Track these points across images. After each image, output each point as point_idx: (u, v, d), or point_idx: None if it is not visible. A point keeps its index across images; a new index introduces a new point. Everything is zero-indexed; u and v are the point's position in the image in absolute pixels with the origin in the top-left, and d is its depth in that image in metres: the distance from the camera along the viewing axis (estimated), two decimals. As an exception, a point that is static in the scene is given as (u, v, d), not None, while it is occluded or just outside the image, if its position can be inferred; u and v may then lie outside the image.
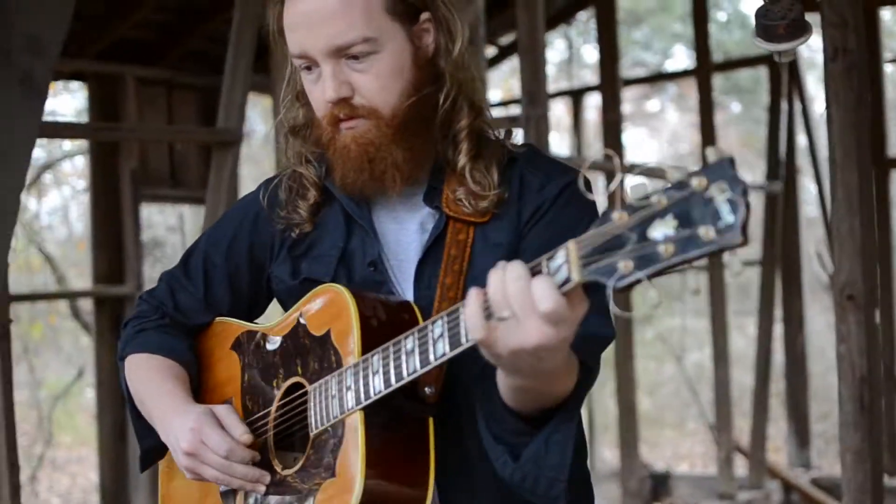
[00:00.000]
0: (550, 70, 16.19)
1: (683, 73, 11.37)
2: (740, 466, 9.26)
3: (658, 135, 19.88)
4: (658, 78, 12.01)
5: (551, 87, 14.25)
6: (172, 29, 8.53)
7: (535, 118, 5.00)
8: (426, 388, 2.13)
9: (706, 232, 1.48)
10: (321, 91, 2.21)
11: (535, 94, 5.00)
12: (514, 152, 2.27)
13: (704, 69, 8.65)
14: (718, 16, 17.29)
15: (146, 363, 2.41)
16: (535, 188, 2.23)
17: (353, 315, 2.12)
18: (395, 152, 2.21)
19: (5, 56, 3.84)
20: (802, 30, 2.98)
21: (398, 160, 2.21)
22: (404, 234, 2.31)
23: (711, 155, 1.51)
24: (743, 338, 13.25)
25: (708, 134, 8.54)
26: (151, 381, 2.38)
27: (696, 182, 1.50)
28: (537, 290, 1.67)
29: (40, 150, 14.47)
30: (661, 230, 1.54)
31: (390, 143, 2.20)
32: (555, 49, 17.00)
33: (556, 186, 2.22)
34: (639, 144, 19.60)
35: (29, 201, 14.35)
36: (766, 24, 2.97)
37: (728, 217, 1.47)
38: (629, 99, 18.85)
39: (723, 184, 1.48)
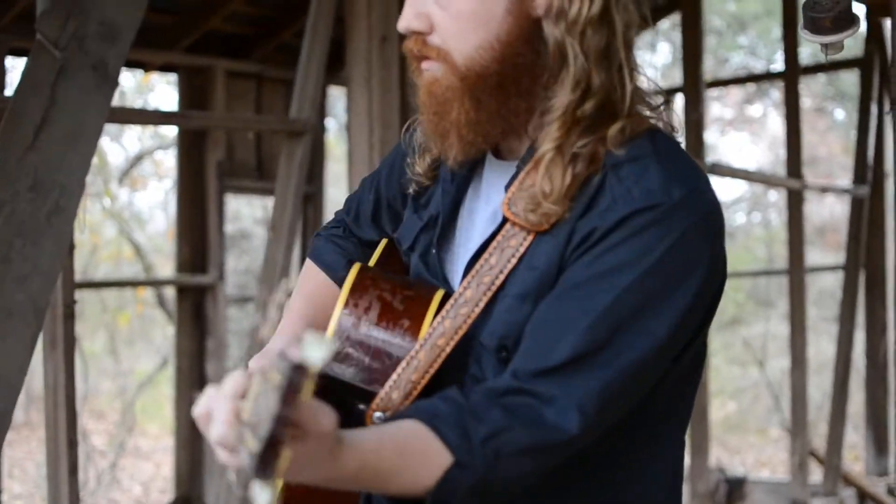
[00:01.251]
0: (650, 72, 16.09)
1: (771, 76, 11.29)
2: (816, 473, 9.19)
3: (759, 140, 19.73)
4: (744, 80, 11.93)
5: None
6: (263, 23, 8.63)
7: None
8: (376, 414, 1.86)
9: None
10: None
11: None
12: (613, 152, 1.80)
13: (792, 72, 8.60)
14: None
15: (306, 272, 2.28)
16: (603, 206, 1.77)
17: (339, 303, 1.95)
18: (459, 110, 1.85)
19: (79, 42, 3.94)
20: (850, 22, 2.97)
21: (461, 120, 1.86)
22: (480, 218, 1.97)
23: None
24: (831, 344, 13.17)
25: (795, 137, 8.49)
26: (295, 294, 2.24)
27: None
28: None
29: (134, 142, 14.73)
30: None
31: (457, 98, 1.85)
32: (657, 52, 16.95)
33: (623, 209, 1.75)
34: (740, 149, 19.47)
35: (121, 192, 14.58)
36: (814, 17, 2.97)
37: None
38: (732, 104, 18.76)
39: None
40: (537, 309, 1.78)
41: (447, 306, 1.86)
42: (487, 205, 1.95)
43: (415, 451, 1.65)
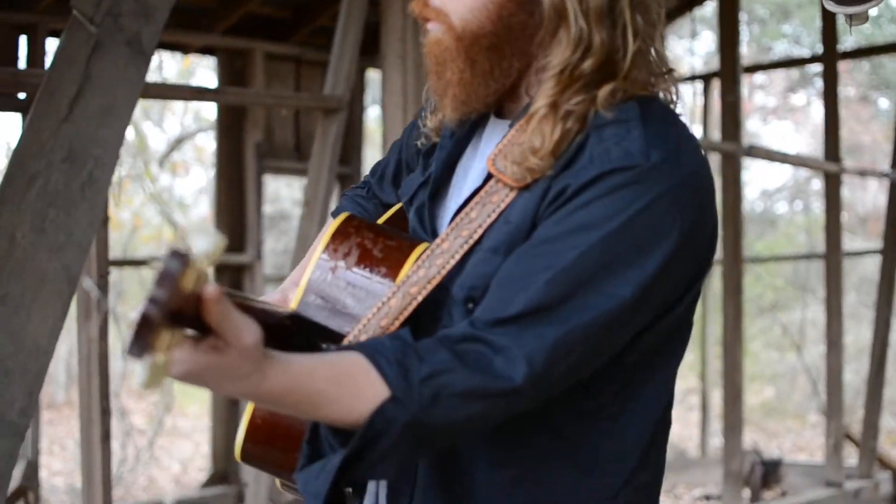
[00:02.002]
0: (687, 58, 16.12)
1: (809, 60, 11.25)
2: (852, 456, 9.19)
3: (802, 128, 19.64)
4: (783, 64, 11.90)
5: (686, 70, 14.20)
6: (302, 5, 8.68)
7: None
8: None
9: None
10: None
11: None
12: (601, 113, 1.79)
13: (831, 55, 8.58)
14: (870, 12, 17.00)
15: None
16: (580, 164, 1.75)
17: (320, 247, 1.97)
18: (453, 70, 1.87)
19: (114, 18, 4.01)
20: (874, -7, 2.95)
21: (454, 80, 1.88)
22: (473, 174, 1.97)
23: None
24: (870, 331, 13.11)
25: (833, 121, 8.47)
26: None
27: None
28: None
29: (174, 126, 14.82)
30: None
31: (452, 59, 1.87)
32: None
33: (598, 168, 1.73)
34: (783, 137, 19.39)
35: (162, 176, 14.68)
36: (837, -12, 2.96)
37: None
38: (775, 92, 18.68)
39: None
40: (505, 262, 1.76)
41: (423, 256, 1.85)
42: (481, 162, 1.94)
43: (350, 379, 1.64)
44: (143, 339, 1.34)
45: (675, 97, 1.89)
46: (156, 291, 1.34)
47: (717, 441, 10.89)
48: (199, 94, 6.40)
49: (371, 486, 1.97)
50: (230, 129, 8.62)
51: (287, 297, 2.02)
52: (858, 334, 14.64)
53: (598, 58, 1.80)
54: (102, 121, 3.97)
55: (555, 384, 1.72)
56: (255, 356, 1.53)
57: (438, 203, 2.00)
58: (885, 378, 9.01)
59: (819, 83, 17.94)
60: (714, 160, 9.94)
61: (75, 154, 3.87)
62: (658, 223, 1.70)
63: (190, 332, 1.50)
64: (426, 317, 1.82)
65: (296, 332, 1.83)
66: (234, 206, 8.59)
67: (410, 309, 1.82)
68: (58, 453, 12.34)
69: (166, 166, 14.25)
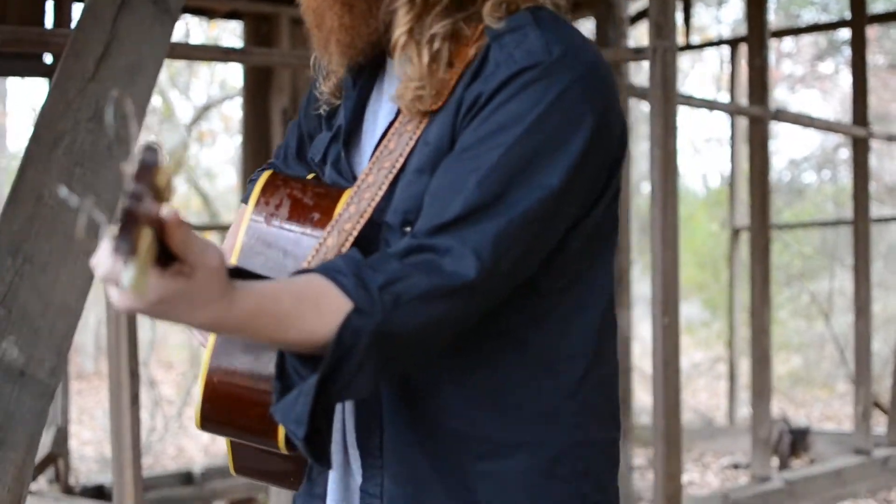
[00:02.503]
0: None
1: (838, 24, 11.15)
2: (881, 425, 9.16)
3: (830, 97, 19.53)
4: (811, 29, 11.78)
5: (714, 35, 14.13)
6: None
7: (662, 51, 5.01)
8: None
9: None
10: None
11: (662, 25, 5.01)
12: (492, 26, 1.85)
13: (859, 18, 8.51)
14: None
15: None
16: (487, 73, 1.82)
17: (251, 204, 1.98)
18: (334, 16, 1.92)
19: (140, -23, 4.00)
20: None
21: (335, 26, 1.92)
22: (382, 115, 2.00)
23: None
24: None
25: (861, 85, 8.41)
26: None
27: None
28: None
29: (201, 94, 14.84)
30: None
31: (332, 5, 1.91)
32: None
33: (506, 70, 1.79)
34: (811, 105, 19.29)
35: (190, 145, 14.69)
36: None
37: None
38: (803, 60, 18.57)
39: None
40: (433, 178, 1.81)
41: (351, 193, 1.90)
42: (388, 103, 1.97)
43: (313, 298, 1.66)
44: (128, 234, 1.34)
45: (560, 4, 1.95)
46: (135, 186, 1.35)
47: (744, 410, 10.89)
48: (225, 54, 6.35)
49: (336, 431, 1.97)
50: (256, 95, 8.61)
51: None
52: (886, 303, 14.60)
53: None
54: (129, 80, 3.96)
55: (505, 279, 1.78)
56: (221, 279, 1.56)
57: (354, 151, 2.03)
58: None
59: (847, 51, 17.86)
60: (742, 125, 9.90)
61: (102, 113, 3.86)
62: (573, 111, 1.77)
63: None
64: (364, 252, 1.82)
65: None
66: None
67: (347, 245, 1.86)
68: (87, 423, 12.41)
69: (193, 135, 14.28)
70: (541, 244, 1.80)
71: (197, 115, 14.06)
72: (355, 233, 1.86)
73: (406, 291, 1.69)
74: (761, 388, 7.58)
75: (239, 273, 1.74)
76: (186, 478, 8.28)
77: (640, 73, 12.53)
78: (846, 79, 18.79)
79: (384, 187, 1.87)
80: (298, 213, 1.94)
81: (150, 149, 1.37)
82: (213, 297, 1.55)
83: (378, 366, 1.71)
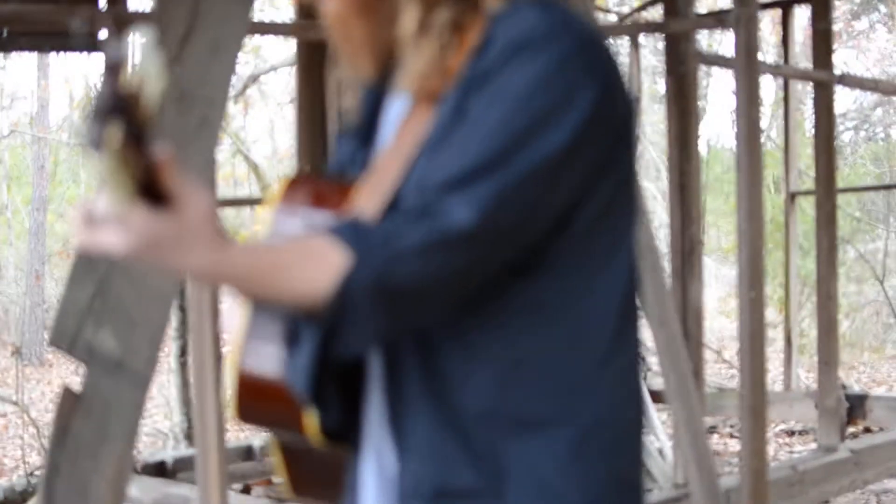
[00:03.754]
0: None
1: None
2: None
3: (865, 56, 19.37)
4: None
5: None
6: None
7: (745, 18, 4.90)
8: None
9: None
10: None
11: (744, -8, 4.90)
12: (491, 9, 1.84)
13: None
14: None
15: None
16: (487, 48, 1.79)
17: (275, 199, 1.97)
18: (360, 26, 1.91)
19: (220, -45, 3.93)
20: None
21: (364, 35, 1.91)
22: (395, 110, 1.99)
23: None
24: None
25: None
26: None
27: None
28: None
29: (246, 65, 14.79)
30: None
31: (357, 16, 1.90)
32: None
33: (501, 43, 1.77)
34: (845, 63, 19.13)
35: (236, 114, 14.66)
36: None
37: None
38: (837, 18, 18.41)
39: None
40: (440, 149, 1.78)
41: (368, 182, 1.88)
42: (401, 98, 1.95)
43: (313, 251, 1.66)
44: (97, 128, 1.39)
45: None
46: (104, 83, 1.39)
47: (801, 375, 10.80)
48: (301, 30, 6.28)
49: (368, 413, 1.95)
50: (310, 66, 8.53)
51: None
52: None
53: None
54: (212, 59, 3.90)
55: (507, 235, 1.75)
56: (213, 223, 1.57)
57: (373, 149, 2.01)
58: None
59: (883, 8, 17.68)
60: (796, 89, 9.77)
61: (187, 94, 3.80)
62: (576, 77, 1.75)
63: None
64: None
65: None
66: (316, 145, 8.51)
67: None
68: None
69: (239, 104, 14.22)
70: (544, 207, 1.77)
71: (245, 85, 14.01)
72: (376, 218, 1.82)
73: (405, 244, 1.67)
74: (828, 356, 7.49)
75: None
76: (247, 452, 8.24)
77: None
78: (882, 35, 18.64)
79: (399, 172, 1.84)
80: (320, 203, 1.93)
81: (113, 45, 1.40)
82: (205, 241, 1.56)
83: (382, 320, 1.71)
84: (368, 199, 1.84)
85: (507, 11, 1.81)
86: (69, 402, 3.34)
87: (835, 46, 17.92)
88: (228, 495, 4.55)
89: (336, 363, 1.74)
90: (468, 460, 1.82)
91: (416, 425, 1.85)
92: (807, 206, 11.29)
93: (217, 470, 4.45)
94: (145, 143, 1.47)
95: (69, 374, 14.14)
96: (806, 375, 11.69)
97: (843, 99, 18.20)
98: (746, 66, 4.86)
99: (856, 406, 9.28)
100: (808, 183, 11.91)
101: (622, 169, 1.85)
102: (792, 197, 10.29)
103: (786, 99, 10.22)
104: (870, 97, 17.30)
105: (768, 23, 13.77)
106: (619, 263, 1.88)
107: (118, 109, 1.41)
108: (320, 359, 1.70)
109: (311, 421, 1.83)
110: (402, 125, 1.90)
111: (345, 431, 1.91)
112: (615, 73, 1.83)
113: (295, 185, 1.96)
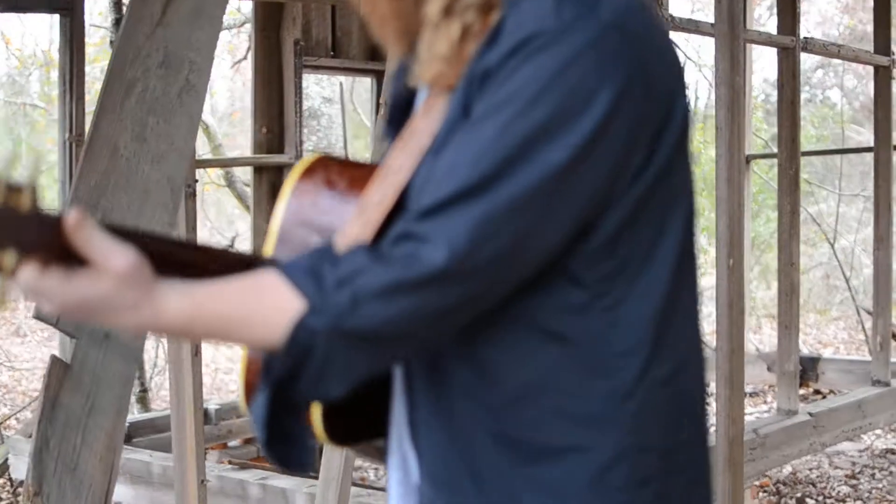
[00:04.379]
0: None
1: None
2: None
3: (805, 19, 19.39)
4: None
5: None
6: None
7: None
8: None
9: None
10: None
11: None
12: None
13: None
14: None
15: None
16: (499, 41, 1.64)
17: (286, 191, 1.90)
18: (385, 1, 1.79)
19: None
20: None
21: (391, 10, 1.80)
22: (423, 92, 1.88)
23: None
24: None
25: (882, 15, 8.31)
26: None
27: None
28: None
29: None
30: None
31: None
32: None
33: (513, 39, 1.61)
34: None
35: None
36: None
37: None
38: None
39: None
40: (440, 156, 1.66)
41: (379, 177, 1.76)
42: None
43: (260, 296, 1.57)
44: None
45: None
46: None
47: (750, 338, 10.87)
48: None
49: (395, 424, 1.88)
50: (267, 26, 8.41)
51: None
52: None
53: None
54: (195, 23, 3.82)
55: (490, 267, 1.59)
56: (137, 283, 1.51)
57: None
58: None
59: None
60: (754, 53, 9.78)
61: (171, 58, 3.72)
62: (584, 81, 1.57)
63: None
64: None
65: None
66: (273, 106, 8.41)
67: (370, 236, 1.71)
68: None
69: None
70: (547, 228, 1.61)
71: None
72: (378, 221, 1.71)
73: (365, 286, 1.55)
74: (789, 320, 7.51)
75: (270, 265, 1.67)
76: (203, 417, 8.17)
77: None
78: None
79: (407, 170, 1.73)
80: (330, 199, 1.84)
81: None
82: (133, 303, 1.51)
83: (351, 363, 1.59)
84: (375, 194, 1.74)
85: None
86: (58, 372, 3.26)
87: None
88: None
89: (304, 403, 1.67)
90: (479, 486, 1.72)
91: (429, 440, 1.77)
92: (757, 168, 11.34)
93: (194, 439, 4.40)
94: (42, 228, 1.45)
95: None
96: (753, 337, 11.76)
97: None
98: (729, 33, 4.83)
99: (808, 369, 9.35)
100: (757, 146, 11.97)
101: (660, 166, 1.68)
102: (746, 160, 10.33)
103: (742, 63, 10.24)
104: (811, 59, 17.37)
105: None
106: (661, 260, 1.72)
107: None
108: (272, 406, 1.62)
109: (316, 416, 1.78)
110: (418, 115, 1.78)
111: (351, 437, 1.88)
112: (648, 58, 1.65)
113: (314, 169, 1.88)
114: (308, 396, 1.63)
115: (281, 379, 1.59)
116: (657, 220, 1.70)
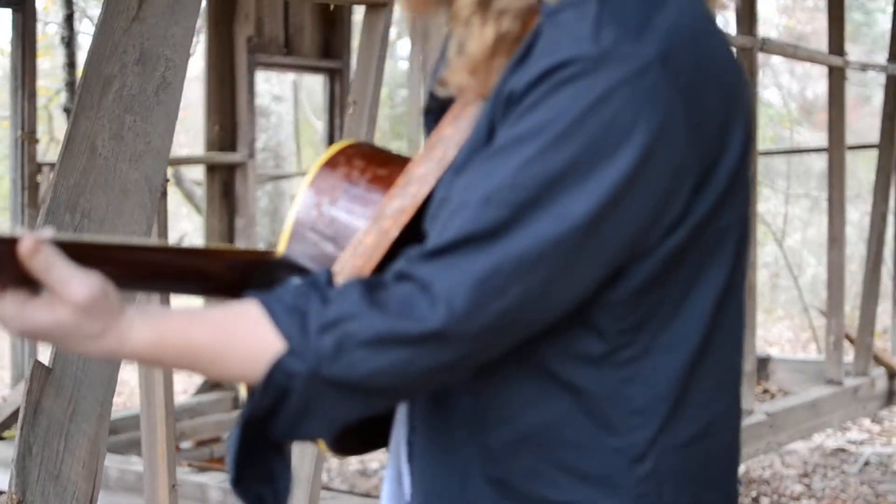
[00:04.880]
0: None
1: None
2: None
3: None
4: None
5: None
6: None
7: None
8: None
9: None
10: None
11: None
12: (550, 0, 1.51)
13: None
14: None
15: None
16: (531, 60, 1.48)
17: (305, 183, 1.77)
18: None
19: None
20: None
21: None
22: None
23: None
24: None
25: (836, 16, 8.35)
26: None
27: None
28: None
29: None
30: None
31: None
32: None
33: (545, 63, 1.44)
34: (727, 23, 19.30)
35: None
36: None
37: None
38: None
39: None
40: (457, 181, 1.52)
41: (399, 183, 1.64)
42: None
43: (238, 332, 1.46)
44: None
45: None
46: None
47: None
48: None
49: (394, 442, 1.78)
50: (220, 23, 8.33)
51: None
52: (821, 229, 14.68)
53: None
54: (171, 18, 3.73)
55: (493, 328, 1.45)
56: (99, 312, 1.40)
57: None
58: (881, 274, 9.00)
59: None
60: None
61: (147, 55, 3.64)
62: (616, 122, 1.41)
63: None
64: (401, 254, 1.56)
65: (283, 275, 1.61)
66: (225, 103, 8.33)
67: (384, 246, 1.61)
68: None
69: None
70: (560, 287, 1.46)
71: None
72: (394, 233, 1.61)
73: (354, 333, 1.42)
74: (747, 321, 7.52)
75: (285, 264, 1.61)
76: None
77: None
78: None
79: (430, 181, 1.61)
80: (348, 200, 1.71)
81: None
82: (95, 332, 1.41)
83: (333, 408, 1.47)
84: (394, 202, 1.63)
85: (569, 7, 1.48)
86: (40, 377, 3.18)
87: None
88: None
89: (274, 447, 1.54)
90: None
91: (423, 465, 1.67)
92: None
93: (165, 443, 4.31)
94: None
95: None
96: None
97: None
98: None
99: (759, 368, 9.38)
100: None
101: (704, 213, 1.52)
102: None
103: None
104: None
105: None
106: (699, 311, 1.56)
107: None
108: (246, 441, 1.52)
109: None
110: (447, 119, 1.65)
111: (351, 450, 1.84)
112: (698, 97, 1.48)
113: (337, 160, 1.75)
114: (286, 437, 1.51)
115: (256, 417, 1.49)
116: (695, 268, 1.55)
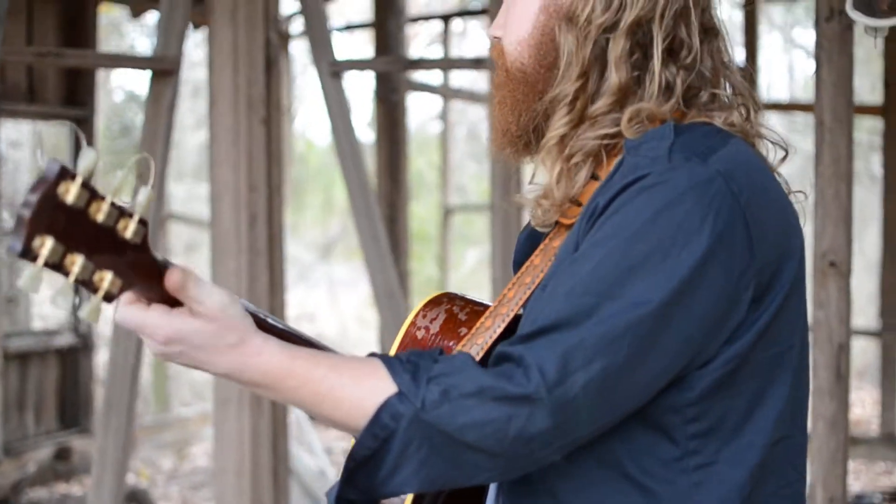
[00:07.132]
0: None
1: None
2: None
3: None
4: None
5: None
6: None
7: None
8: None
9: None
10: None
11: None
12: (630, 137, 1.70)
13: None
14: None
15: None
16: (613, 181, 1.67)
17: (411, 315, 1.97)
18: (494, 103, 1.84)
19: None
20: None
21: (494, 113, 1.84)
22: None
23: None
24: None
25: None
26: None
27: None
28: None
29: None
30: None
31: (497, 90, 1.83)
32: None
33: (625, 178, 1.64)
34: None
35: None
36: (868, -2, 2.78)
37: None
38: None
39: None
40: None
41: (490, 308, 1.81)
42: None
43: (356, 372, 1.59)
44: (19, 238, 1.36)
45: (736, 123, 1.76)
46: (29, 194, 1.37)
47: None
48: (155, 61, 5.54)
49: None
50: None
51: None
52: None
53: (616, 96, 1.73)
54: None
55: (582, 399, 1.57)
56: (235, 324, 1.54)
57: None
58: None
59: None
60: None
61: None
62: (684, 222, 1.58)
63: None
64: None
65: None
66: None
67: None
68: None
69: None
70: (636, 369, 1.59)
71: None
72: (485, 349, 1.76)
73: (459, 385, 1.55)
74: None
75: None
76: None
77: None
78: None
79: (520, 303, 1.76)
80: (449, 327, 1.90)
81: (52, 162, 1.38)
82: (232, 342, 1.54)
83: (427, 461, 1.56)
84: (487, 321, 1.79)
85: (648, 141, 1.67)
86: None
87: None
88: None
89: (373, 496, 1.62)
90: None
91: None
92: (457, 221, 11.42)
93: None
94: (141, 267, 1.47)
95: None
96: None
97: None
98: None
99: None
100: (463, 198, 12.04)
101: (765, 323, 1.65)
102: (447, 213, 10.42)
103: (445, 117, 10.33)
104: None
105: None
106: (757, 430, 1.68)
107: (52, 224, 1.38)
108: (352, 484, 1.59)
109: None
110: (538, 251, 1.81)
111: None
112: (756, 217, 1.63)
113: (436, 301, 1.95)
114: (381, 488, 1.59)
115: (359, 461, 1.57)
116: (759, 377, 1.67)
